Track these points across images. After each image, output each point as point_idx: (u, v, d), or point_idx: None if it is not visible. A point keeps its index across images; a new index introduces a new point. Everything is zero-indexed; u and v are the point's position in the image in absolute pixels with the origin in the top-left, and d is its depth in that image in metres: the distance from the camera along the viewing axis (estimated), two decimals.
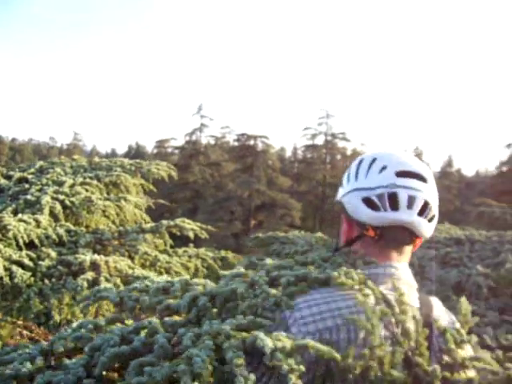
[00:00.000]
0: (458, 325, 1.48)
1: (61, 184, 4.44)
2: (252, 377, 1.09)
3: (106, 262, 3.07)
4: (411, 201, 1.43)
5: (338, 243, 1.63)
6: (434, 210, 1.47)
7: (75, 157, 5.99)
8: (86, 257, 3.07)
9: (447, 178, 31.69)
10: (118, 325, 1.65)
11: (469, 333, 1.42)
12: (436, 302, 1.56)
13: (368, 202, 1.45)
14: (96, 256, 3.12)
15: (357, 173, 1.51)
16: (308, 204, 27.87)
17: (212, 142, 29.74)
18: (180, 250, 4.45)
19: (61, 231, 3.53)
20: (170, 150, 30.49)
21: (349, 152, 30.33)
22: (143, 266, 3.53)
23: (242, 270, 1.76)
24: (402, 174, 1.45)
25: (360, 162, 1.53)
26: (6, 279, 3.04)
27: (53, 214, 3.92)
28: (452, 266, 4.65)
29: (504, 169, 22.04)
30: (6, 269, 3.08)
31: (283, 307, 1.34)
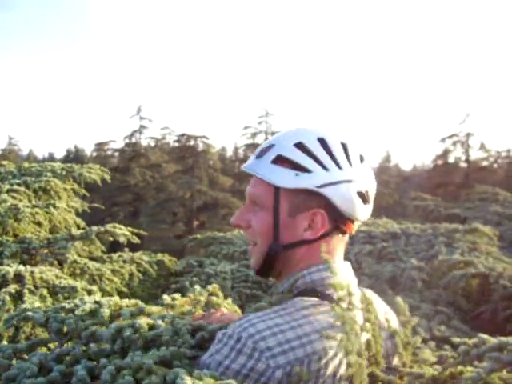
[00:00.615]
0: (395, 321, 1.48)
1: None
2: None
3: (32, 273, 2.93)
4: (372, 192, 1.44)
5: (276, 245, 1.37)
6: None
7: (3, 163, 5.75)
8: (10, 268, 2.92)
9: (385, 173, 32.46)
10: (44, 349, 1.57)
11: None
12: (377, 298, 1.54)
13: (361, 195, 1.38)
14: (21, 267, 2.97)
15: (334, 160, 1.35)
16: None
17: (152, 143, 29.30)
18: (115, 256, 4.34)
19: None
20: (109, 152, 29.85)
21: None
22: (73, 275, 3.40)
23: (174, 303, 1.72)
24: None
25: (325, 144, 1.36)
26: None
27: None
28: (388, 260, 4.73)
29: (439, 162, 22.67)
30: None
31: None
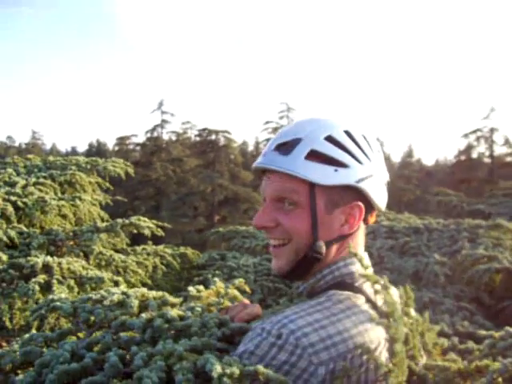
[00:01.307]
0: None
1: (13, 185, 4.32)
2: None
3: (59, 264, 2.99)
4: None
5: (319, 245, 1.32)
6: None
7: (29, 156, 5.84)
8: (38, 259, 2.98)
9: (407, 168, 32.20)
10: (73, 338, 1.60)
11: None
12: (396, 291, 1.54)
13: (387, 186, 1.40)
14: (49, 258, 3.03)
15: (364, 152, 1.34)
16: None
17: (173, 137, 29.48)
18: (138, 248, 4.40)
19: (12, 233, 3.43)
20: (131, 146, 30.10)
21: None
22: (99, 266, 3.46)
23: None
24: None
25: (352, 137, 1.34)
26: None
27: (5, 216, 3.81)
28: (410, 256, 4.71)
29: (462, 158, 22.45)
30: None
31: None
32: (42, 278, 2.84)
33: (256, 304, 1.68)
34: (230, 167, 24.16)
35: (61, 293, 2.61)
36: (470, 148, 21.56)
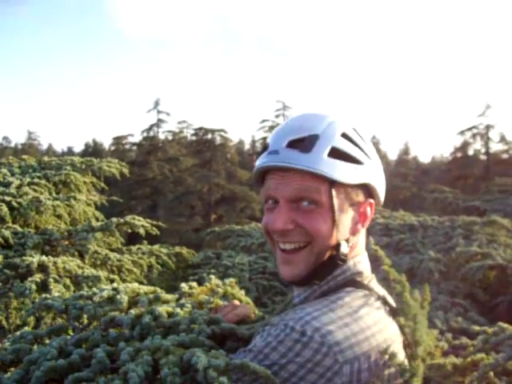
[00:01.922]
0: None
1: (7, 185, 4.31)
2: None
3: (55, 263, 3.00)
4: None
5: (341, 245, 1.28)
6: None
7: (24, 157, 5.84)
8: (34, 259, 2.99)
9: (404, 166, 32.23)
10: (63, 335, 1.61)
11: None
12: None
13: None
14: (44, 257, 3.04)
15: (369, 148, 1.33)
16: None
17: (170, 137, 29.47)
18: (134, 248, 4.40)
19: (7, 233, 3.43)
20: (127, 146, 30.05)
21: None
22: (94, 266, 3.47)
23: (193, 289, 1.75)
24: None
25: (358, 133, 1.32)
26: None
27: None
28: (405, 253, 4.73)
29: (458, 155, 22.47)
30: None
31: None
32: (38, 277, 2.85)
33: (246, 305, 1.69)
34: (227, 166, 24.15)
35: (58, 292, 2.62)
36: (465, 145, 21.57)
